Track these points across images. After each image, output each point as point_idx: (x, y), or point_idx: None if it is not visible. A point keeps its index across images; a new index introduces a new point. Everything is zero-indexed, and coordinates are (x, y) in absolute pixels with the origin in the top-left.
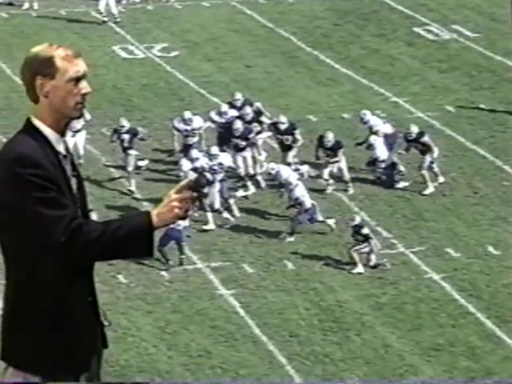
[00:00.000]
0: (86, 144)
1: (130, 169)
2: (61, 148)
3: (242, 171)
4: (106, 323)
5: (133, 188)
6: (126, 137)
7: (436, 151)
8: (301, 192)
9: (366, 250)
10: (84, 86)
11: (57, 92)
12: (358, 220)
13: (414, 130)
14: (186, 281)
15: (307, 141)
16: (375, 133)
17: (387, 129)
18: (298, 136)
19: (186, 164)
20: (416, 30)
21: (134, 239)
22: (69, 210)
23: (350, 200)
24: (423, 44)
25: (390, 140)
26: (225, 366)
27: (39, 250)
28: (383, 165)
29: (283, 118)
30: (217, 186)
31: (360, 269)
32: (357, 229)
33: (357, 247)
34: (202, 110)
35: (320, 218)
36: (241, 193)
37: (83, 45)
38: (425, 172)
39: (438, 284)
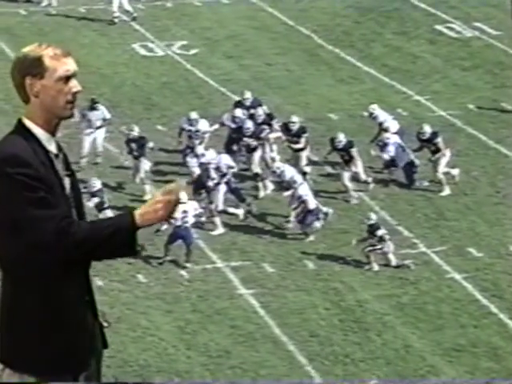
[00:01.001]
0: (105, 142)
1: (142, 175)
2: (52, 147)
3: (254, 171)
4: (105, 324)
5: (148, 196)
6: (134, 146)
7: (448, 154)
8: (304, 191)
9: (380, 250)
10: (74, 84)
11: (47, 91)
12: (374, 219)
13: (428, 129)
14: (206, 280)
15: (326, 140)
16: (386, 129)
17: (395, 125)
18: (302, 139)
19: (192, 162)
20: (438, 27)
21: (118, 239)
22: (59, 209)
23: (371, 199)
24: (445, 42)
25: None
26: (244, 367)
27: (31, 250)
28: (395, 164)
29: (295, 119)
30: (221, 187)
31: (374, 266)
32: (372, 229)
33: (370, 247)
34: (222, 108)
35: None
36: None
37: (102, 42)
38: (440, 174)
39: (459, 284)
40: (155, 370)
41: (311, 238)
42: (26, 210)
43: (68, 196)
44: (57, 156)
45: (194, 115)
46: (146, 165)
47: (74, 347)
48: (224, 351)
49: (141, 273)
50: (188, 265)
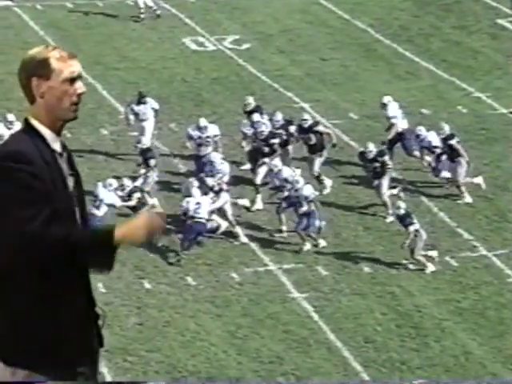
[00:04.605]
0: (154, 140)
1: (148, 187)
2: (57, 146)
3: (258, 179)
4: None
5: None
6: (142, 157)
7: (465, 156)
8: (309, 191)
9: (420, 244)
10: (79, 86)
11: (52, 92)
12: (403, 207)
13: (446, 129)
14: (257, 283)
15: (383, 138)
16: (392, 126)
17: (404, 124)
18: (322, 130)
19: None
20: (500, 21)
21: (94, 251)
22: (45, 209)
23: (430, 200)
24: (507, 37)
25: (406, 136)
26: (297, 373)
27: (16, 248)
28: (438, 150)
29: (307, 116)
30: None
31: (430, 267)
32: (405, 222)
33: (415, 251)
34: (275, 104)
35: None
36: (243, 201)
37: (152, 36)
38: (463, 181)
39: None
40: (205, 376)
41: (308, 246)
42: (12, 208)
43: (71, 194)
44: (61, 155)
45: (202, 122)
46: (151, 177)
47: (64, 343)
48: (276, 357)
49: (190, 275)
50: (181, 256)
